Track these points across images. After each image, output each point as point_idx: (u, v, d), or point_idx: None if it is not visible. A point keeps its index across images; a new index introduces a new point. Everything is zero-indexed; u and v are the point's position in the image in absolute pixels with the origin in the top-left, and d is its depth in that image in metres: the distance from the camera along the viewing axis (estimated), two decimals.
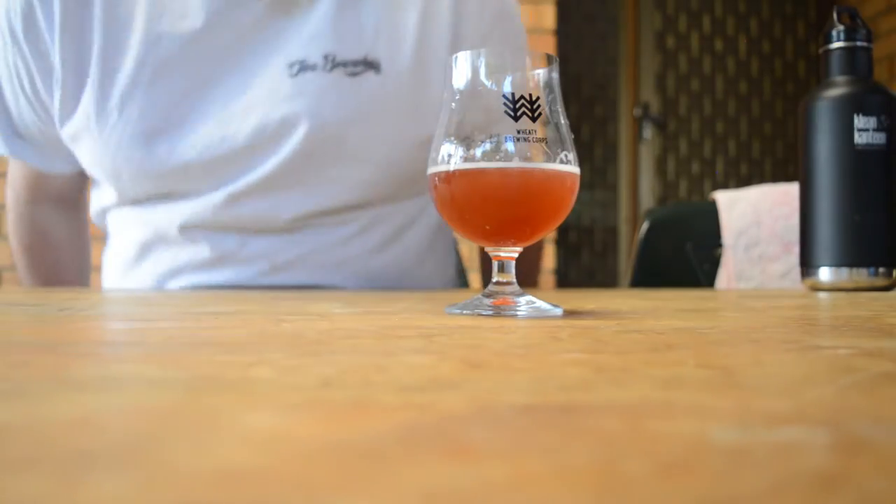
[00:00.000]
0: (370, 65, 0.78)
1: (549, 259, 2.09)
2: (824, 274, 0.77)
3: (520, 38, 0.93)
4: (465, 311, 0.42)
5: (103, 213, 0.90)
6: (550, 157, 0.42)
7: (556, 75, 0.44)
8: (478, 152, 0.42)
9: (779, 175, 3.20)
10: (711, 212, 1.20)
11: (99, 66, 0.78)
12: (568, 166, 0.43)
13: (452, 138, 0.43)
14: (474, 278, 1.45)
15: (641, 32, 3.26)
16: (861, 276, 0.76)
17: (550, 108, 0.43)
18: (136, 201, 0.84)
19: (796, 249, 0.83)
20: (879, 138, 0.76)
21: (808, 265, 0.79)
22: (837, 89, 0.77)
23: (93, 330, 0.33)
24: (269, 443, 0.13)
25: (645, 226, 1.22)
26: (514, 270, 0.45)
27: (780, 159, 3.30)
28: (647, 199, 3.25)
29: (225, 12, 0.77)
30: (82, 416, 0.15)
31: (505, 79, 0.42)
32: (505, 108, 0.42)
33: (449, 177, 0.42)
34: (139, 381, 0.20)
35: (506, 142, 0.41)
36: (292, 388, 0.19)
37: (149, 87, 0.77)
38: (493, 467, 0.12)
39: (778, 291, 0.89)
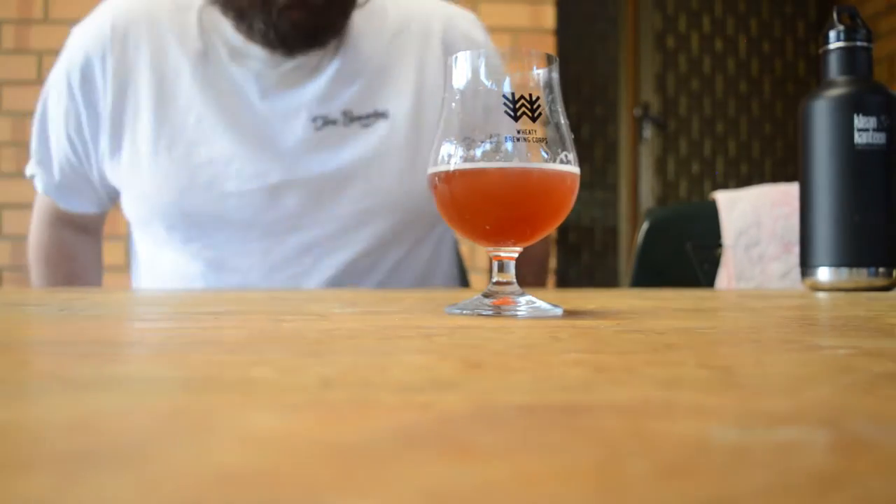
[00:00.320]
0: (380, 114, 0.93)
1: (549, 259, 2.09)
2: (824, 274, 0.77)
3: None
4: (465, 311, 0.42)
5: (140, 252, 1.00)
6: (550, 157, 0.42)
7: (556, 75, 0.44)
8: (478, 152, 0.42)
9: (779, 175, 3.20)
10: (711, 212, 1.20)
11: (153, 113, 0.90)
12: (568, 166, 0.43)
13: (452, 138, 0.43)
14: (475, 279, 1.45)
15: (641, 32, 3.26)
16: (861, 276, 0.75)
17: (550, 108, 0.43)
18: (169, 241, 0.93)
19: (796, 249, 0.83)
20: (879, 138, 0.76)
21: (807, 265, 0.78)
22: (837, 89, 0.77)
23: (93, 330, 0.33)
24: (269, 443, 0.13)
25: (645, 226, 1.22)
26: (514, 270, 0.45)
27: (780, 159, 3.30)
28: (647, 199, 3.25)
29: (255, 75, 0.91)
30: (82, 416, 0.15)
31: (505, 79, 0.42)
32: (505, 108, 0.42)
33: (449, 177, 0.42)
34: (139, 381, 0.20)
35: (506, 142, 0.41)
36: (292, 388, 0.19)
37: (195, 129, 0.90)
38: (493, 467, 0.12)
39: (778, 291, 0.89)
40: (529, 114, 0.42)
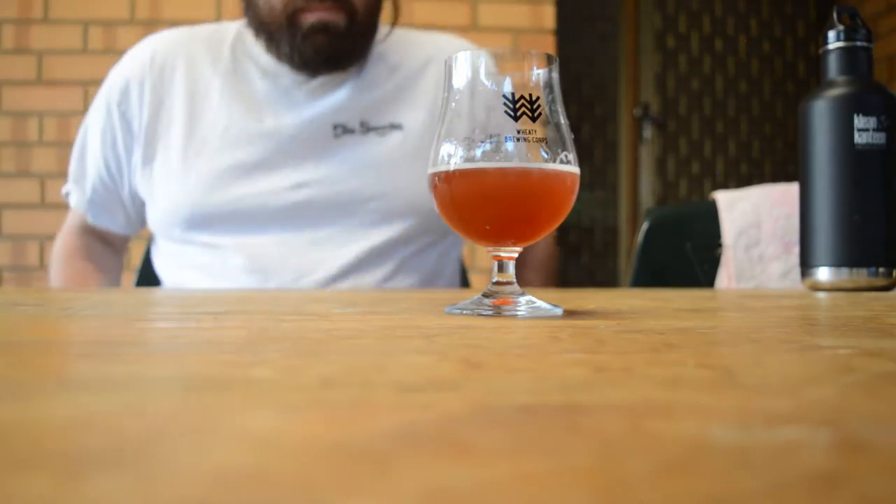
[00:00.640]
0: (395, 126, 1.00)
1: None
2: (824, 274, 0.77)
3: None
4: (465, 311, 0.42)
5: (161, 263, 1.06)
6: (550, 157, 0.42)
7: (556, 75, 0.44)
8: (478, 152, 0.42)
9: (779, 175, 3.20)
10: (711, 212, 1.20)
11: (184, 125, 0.98)
12: (568, 166, 0.43)
13: (452, 138, 0.43)
14: (475, 279, 1.45)
15: (641, 32, 3.26)
16: (861, 276, 0.75)
17: (550, 108, 0.43)
18: (198, 242, 0.99)
19: (796, 249, 0.83)
20: (879, 138, 0.75)
21: (807, 265, 0.78)
22: (837, 89, 0.77)
23: (93, 330, 0.33)
24: (269, 443, 0.13)
25: (645, 226, 1.22)
26: (514, 270, 0.45)
27: (780, 159, 3.30)
28: (647, 199, 3.25)
29: (283, 91, 0.99)
30: (82, 416, 0.15)
31: (505, 79, 0.42)
32: (505, 108, 0.42)
33: (449, 177, 0.42)
34: (139, 381, 0.20)
35: (506, 142, 0.41)
36: (292, 388, 0.19)
37: (220, 138, 0.98)
38: (493, 467, 0.12)
39: (778, 291, 0.89)
40: (529, 114, 0.42)
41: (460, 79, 0.43)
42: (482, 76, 0.43)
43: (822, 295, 0.70)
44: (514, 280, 0.44)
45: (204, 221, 0.97)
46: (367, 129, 0.99)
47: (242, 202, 0.96)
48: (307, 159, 0.98)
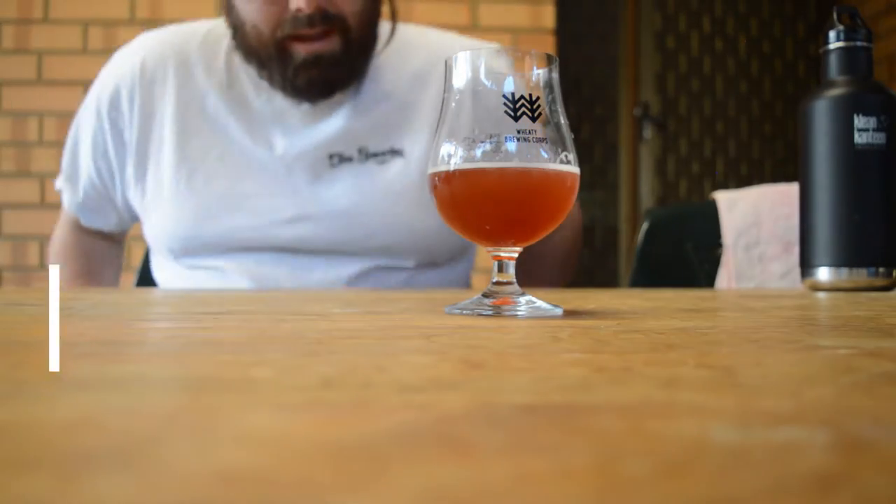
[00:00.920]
0: (396, 152, 0.94)
1: None
2: (824, 274, 0.77)
3: None
4: (465, 311, 0.42)
5: (158, 274, 1.02)
6: (550, 157, 0.42)
7: (556, 75, 0.44)
8: (478, 152, 0.42)
9: (779, 175, 3.20)
10: (711, 212, 1.20)
11: (174, 145, 0.93)
12: (568, 166, 0.43)
13: (452, 138, 0.43)
14: (475, 279, 1.45)
15: (641, 32, 3.26)
16: (861, 276, 0.75)
17: (550, 108, 0.43)
18: (192, 266, 0.95)
19: (796, 249, 0.83)
20: (879, 138, 0.75)
21: (807, 265, 0.78)
22: (837, 89, 0.77)
23: (93, 330, 0.33)
24: (269, 443, 0.13)
25: (645, 226, 1.22)
26: (514, 270, 0.45)
27: (780, 159, 3.30)
28: (647, 199, 3.25)
29: (278, 112, 0.93)
30: (82, 416, 0.15)
31: (505, 79, 0.42)
32: (505, 108, 0.42)
33: (449, 177, 0.42)
34: (139, 381, 0.20)
35: (506, 142, 0.41)
36: (292, 388, 0.19)
37: (215, 164, 0.93)
38: (493, 467, 0.12)
39: (778, 291, 0.88)
40: (529, 114, 0.42)
41: (460, 79, 0.43)
42: (482, 76, 0.43)
43: (822, 295, 0.70)
44: (514, 280, 0.44)
45: (200, 249, 0.93)
46: (365, 155, 0.93)
47: (238, 233, 0.92)
48: (304, 190, 0.92)
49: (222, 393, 0.18)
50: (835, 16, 0.79)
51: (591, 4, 3.30)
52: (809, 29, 3.31)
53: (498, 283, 0.44)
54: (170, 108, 0.94)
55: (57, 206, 1.09)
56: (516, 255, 0.45)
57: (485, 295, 0.43)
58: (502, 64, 0.44)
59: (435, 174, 0.43)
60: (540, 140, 0.42)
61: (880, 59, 2.78)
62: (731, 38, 3.30)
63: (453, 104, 0.43)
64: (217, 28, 0.97)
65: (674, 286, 1.04)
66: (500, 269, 0.44)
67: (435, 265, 0.97)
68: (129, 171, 0.96)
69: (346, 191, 0.92)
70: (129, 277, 1.20)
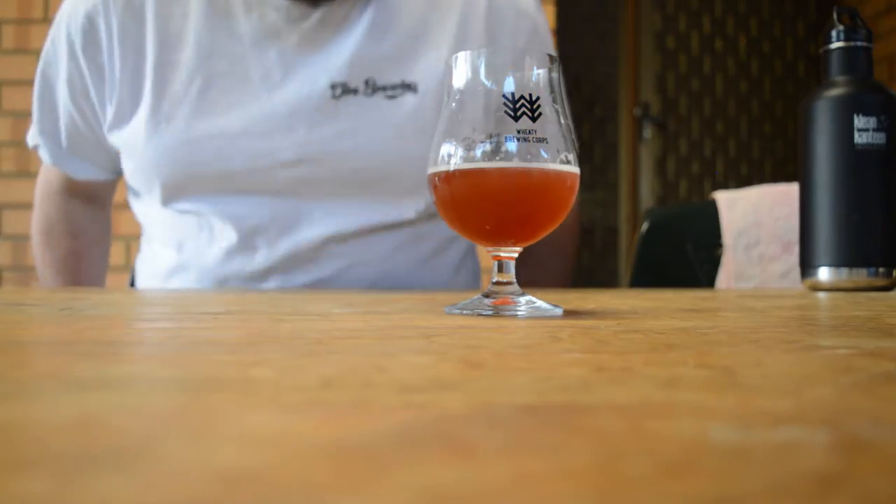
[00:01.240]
0: (408, 87, 0.83)
1: None
2: (824, 274, 0.77)
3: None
4: (465, 311, 0.42)
5: (143, 219, 0.93)
6: (550, 157, 0.42)
7: (556, 75, 0.44)
8: (478, 152, 0.42)
9: (779, 175, 3.20)
10: (711, 212, 1.20)
11: (153, 80, 0.82)
12: (568, 166, 0.43)
13: (452, 138, 0.43)
14: (486, 280, 1.45)
15: (641, 32, 3.26)
16: (861, 276, 0.76)
17: (551, 109, 0.43)
18: (182, 210, 0.86)
19: (796, 249, 0.83)
20: (879, 138, 0.76)
21: (807, 265, 0.78)
22: (837, 89, 0.77)
23: (93, 330, 0.33)
24: (269, 443, 0.13)
25: (645, 226, 1.22)
26: (514, 270, 0.45)
27: (780, 159, 3.30)
28: (647, 199, 3.25)
29: (272, 32, 0.82)
30: (82, 416, 0.15)
31: (505, 79, 0.42)
32: (505, 108, 0.42)
33: (449, 177, 0.42)
34: (139, 381, 0.20)
35: (506, 142, 0.41)
36: (292, 388, 0.19)
37: (197, 99, 0.82)
38: (493, 467, 0.12)
39: (778, 291, 0.89)
40: (529, 114, 0.42)
41: (460, 79, 0.43)
42: (482, 76, 0.43)
43: (822, 295, 0.70)
44: (514, 280, 0.44)
45: (187, 192, 0.83)
46: (373, 88, 0.81)
47: (226, 178, 0.81)
48: (299, 127, 0.81)
49: (222, 393, 0.18)
50: (835, 16, 0.79)
51: (591, 4, 3.30)
52: (809, 29, 3.31)
53: (498, 283, 0.44)
54: (150, 35, 0.83)
55: None
56: (516, 255, 0.45)
57: (485, 295, 0.43)
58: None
59: (435, 174, 0.43)
60: (540, 140, 0.42)
61: (880, 59, 2.78)
62: (731, 38, 3.30)
63: (453, 104, 0.43)
64: None
65: (674, 286, 1.04)
66: (500, 269, 0.44)
67: (437, 216, 0.87)
68: (110, 112, 0.85)
69: (349, 129, 0.82)
70: (126, 278, 1.20)
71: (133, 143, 0.84)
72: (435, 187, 0.44)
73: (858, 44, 0.78)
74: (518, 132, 0.41)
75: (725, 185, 3.20)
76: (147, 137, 0.82)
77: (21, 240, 1.92)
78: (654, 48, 3.25)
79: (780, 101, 3.31)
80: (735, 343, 0.29)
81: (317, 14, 0.81)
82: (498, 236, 0.44)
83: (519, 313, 0.41)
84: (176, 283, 0.89)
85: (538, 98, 0.42)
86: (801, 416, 0.16)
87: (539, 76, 0.43)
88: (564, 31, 2.29)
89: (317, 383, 0.19)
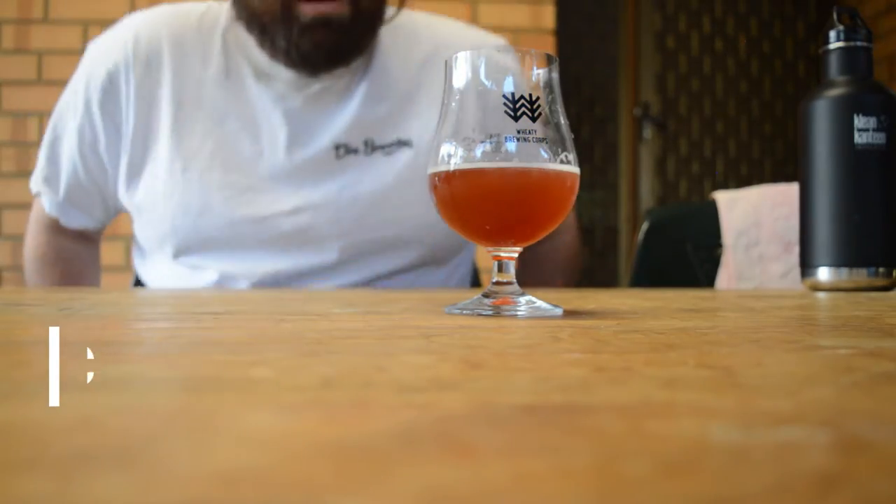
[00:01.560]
0: (403, 143, 0.91)
1: None
2: (824, 274, 0.77)
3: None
4: (465, 311, 0.42)
5: (150, 280, 0.97)
6: (550, 157, 0.42)
7: (556, 75, 0.44)
8: (478, 152, 0.42)
9: (779, 175, 3.20)
10: (711, 212, 1.20)
11: (169, 140, 0.88)
12: (568, 166, 0.43)
13: (452, 138, 0.43)
14: (487, 279, 1.45)
15: (641, 32, 3.26)
16: (861, 276, 0.75)
17: (550, 108, 0.43)
18: (192, 266, 0.91)
19: (796, 249, 0.83)
20: (879, 138, 0.76)
21: (807, 265, 0.78)
22: (837, 89, 0.77)
23: (92, 330, 0.33)
24: (269, 443, 0.13)
25: (645, 226, 1.22)
26: (513, 270, 0.45)
27: (780, 159, 3.30)
28: (647, 199, 3.25)
29: (279, 98, 0.89)
30: (82, 416, 0.15)
31: (505, 79, 0.42)
32: (505, 108, 0.42)
33: (449, 177, 0.42)
34: (139, 381, 0.20)
35: (506, 142, 0.41)
36: (292, 388, 0.19)
37: (210, 158, 0.88)
38: (493, 467, 0.12)
39: (778, 291, 0.88)
40: (529, 114, 0.42)
41: (460, 78, 0.43)
42: (482, 76, 0.43)
43: (822, 295, 0.70)
44: (514, 280, 0.44)
45: (199, 246, 0.89)
46: (371, 148, 0.89)
47: (236, 228, 0.87)
48: (306, 182, 0.88)
49: (222, 393, 0.18)
50: (835, 16, 0.79)
51: (591, 4, 3.30)
52: (809, 29, 3.31)
53: (498, 283, 0.44)
54: (166, 96, 0.88)
55: None
56: (516, 255, 0.45)
57: (485, 295, 0.43)
58: (509, 60, 0.44)
59: (435, 174, 0.43)
60: (540, 140, 0.42)
61: (880, 59, 2.78)
62: (731, 38, 3.30)
63: (453, 104, 0.43)
64: (210, 11, 0.92)
65: (674, 286, 1.04)
66: (500, 269, 0.44)
67: (436, 263, 0.95)
68: (124, 165, 0.90)
69: (351, 182, 0.89)
70: (127, 278, 1.20)
71: (152, 201, 0.89)
72: (435, 187, 0.44)
73: (858, 44, 0.78)
74: (518, 132, 0.41)
75: (725, 185, 3.20)
76: (165, 196, 0.88)
77: (21, 240, 1.92)
78: (654, 48, 3.25)
79: (780, 101, 3.31)
80: (735, 343, 0.29)
81: (319, 83, 0.89)
82: (498, 236, 0.44)
83: (519, 313, 0.41)
84: None
85: (538, 98, 0.42)
86: (801, 416, 0.16)
87: (539, 76, 0.43)
88: (564, 31, 2.29)
89: (317, 383, 0.19)
